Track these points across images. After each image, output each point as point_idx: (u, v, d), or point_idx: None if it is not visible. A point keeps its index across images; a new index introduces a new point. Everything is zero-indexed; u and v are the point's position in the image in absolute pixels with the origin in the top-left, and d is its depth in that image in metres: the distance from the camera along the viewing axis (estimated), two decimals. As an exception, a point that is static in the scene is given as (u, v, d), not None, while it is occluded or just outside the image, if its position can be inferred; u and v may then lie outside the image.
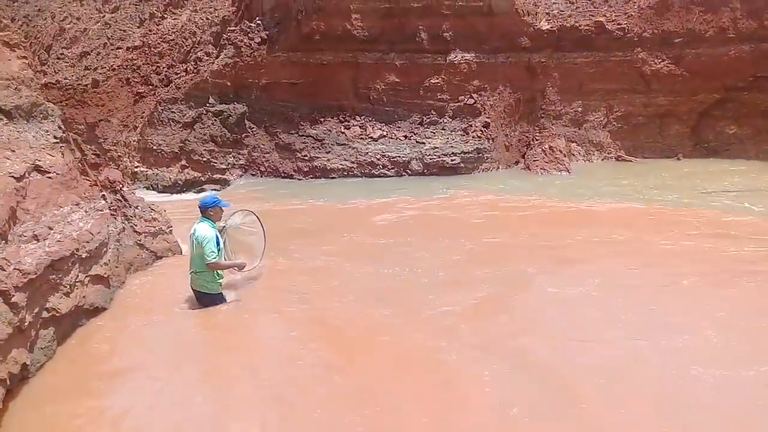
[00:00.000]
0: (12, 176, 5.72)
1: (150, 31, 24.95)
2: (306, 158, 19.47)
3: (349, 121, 20.18)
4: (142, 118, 21.98)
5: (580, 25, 20.84)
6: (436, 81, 20.27)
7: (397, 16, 19.97)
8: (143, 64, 24.01)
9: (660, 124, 21.48)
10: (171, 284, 7.52)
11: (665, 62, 20.74)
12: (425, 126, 20.23)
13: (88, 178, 7.69)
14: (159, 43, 24.30)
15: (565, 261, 8.66)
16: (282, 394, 4.87)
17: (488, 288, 7.34)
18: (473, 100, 20.29)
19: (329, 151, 19.54)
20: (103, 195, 7.95)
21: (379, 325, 6.23)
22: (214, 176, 19.29)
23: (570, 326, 6.18)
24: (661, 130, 21.50)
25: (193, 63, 22.98)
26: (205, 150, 19.54)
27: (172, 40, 24.29)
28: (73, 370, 5.34)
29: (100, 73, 24.04)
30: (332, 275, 8.03)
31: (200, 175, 19.34)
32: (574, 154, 20.65)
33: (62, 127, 7.36)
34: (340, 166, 19.28)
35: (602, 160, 21.04)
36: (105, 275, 6.88)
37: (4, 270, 4.88)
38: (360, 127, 20.06)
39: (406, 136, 19.98)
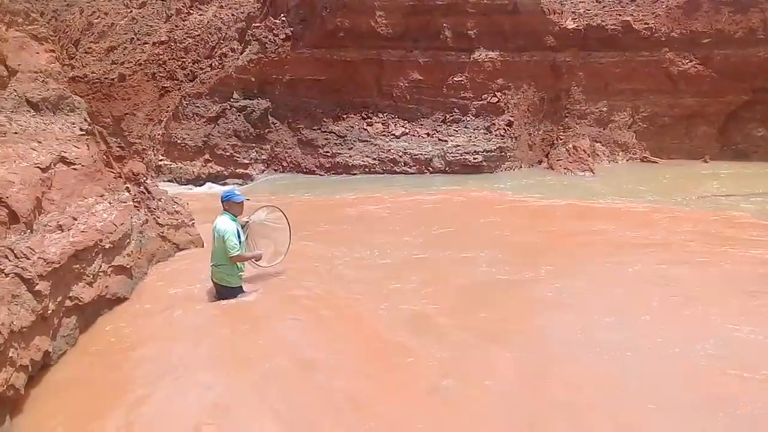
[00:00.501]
0: (38, 167, 5.82)
1: (176, 26, 25.13)
2: (328, 154, 19.52)
3: (371, 118, 20.19)
4: (166, 112, 22.19)
5: (606, 25, 20.60)
6: (460, 79, 20.19)
7: (422, 13, 19.93)
8: (169, 59, 24.19)
9: (687, 126, 21.15)
10: (192, 276, 7.59)
11: (693, 63, 20.42)
12: (448, 124, 20.17)
13: (112, 170, 7.79)
14: (185, 39, 24.46)
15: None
16: (295, 386, 4.91)
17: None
18: (497, 99, 20.19)
19: (351, 148, 19.57)
20: (127, 187, 8.05)
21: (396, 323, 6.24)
22: (237, 171, 19.41)
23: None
24: (688, 131, 21.16)
25: (218, 58, 23.12)
26: (228, 144, 19.67)
27: (197, 35, 24.45)
28: (94, 358, 5.42)
29: (127, 68, 24.28)
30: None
31: (223, 169, 19.48)
32: (598, 155, 20.41)
33: (88, 119, 7.46)
34: (362, 163, 19.30)
35: (627, 161, 20.78)
36: (127, 266, 6.97)
37: (28, 259, 4.97)
38: (382, 124, 20.06)
39: (428, 134, 19.93)
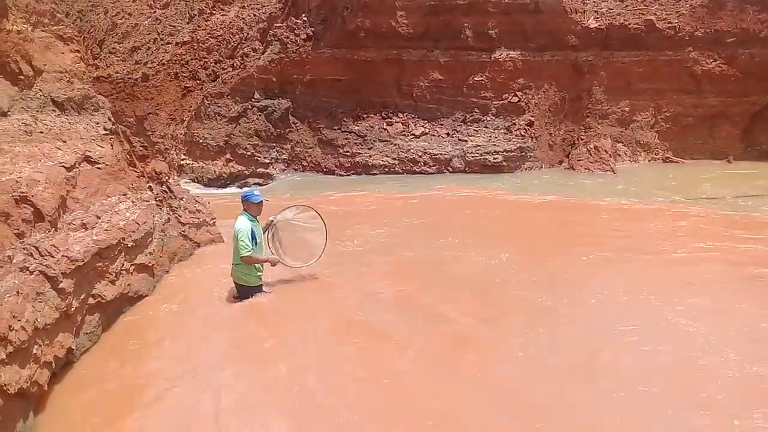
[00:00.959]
0: (63, 166, 5.91)
1: (198, 26, 25.34)
2: (348, 154, 19.57)
3: (391, 118, 20.20)
4: (189, 112, 22.38)
5: (629, 24, 20.39)
6: (480, 79, 20.14)
7: (443, 13, 19.89)
8: (191, 59, 24.40)
9: (710, 126, 20.88)
10: (213, 275, 7.65)
11: (717, 62, 20.15)
12: (468, 124, 20.12)
13: (135, 169, 7.89)
14: (207, 39, 24.65)
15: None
16: (311, 385, 4.96)
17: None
18: (517, 99, 20.10)
19: (371, 148, 19.60)
20: (150, 186, 8.15)
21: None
22: (258, 170, 19.52)
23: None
24: (711, 131, 20.89)
25: (239, 58, 23.28)
26: (249, 144, 19.79)
27: (219, 35, 24.63)
28: (116, 355, 5.49)
29: (150, 68, 24.52)
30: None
31: (244, 168, 19.60)
32: (620, 155, 20.25)
33: (112, 119, 7.57)
34: (382, 163, 19.32)
35: (649, 161, 20.57)
36: (149, 264, 7.05)
37: (53, 256, 5.05)
38: (402, 124, 20.07)
39: (448, 134, 19.90)
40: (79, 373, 5.13)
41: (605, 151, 19.03)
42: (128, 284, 6.45)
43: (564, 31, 20.36)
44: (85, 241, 5.67)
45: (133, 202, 7.07)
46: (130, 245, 6.53)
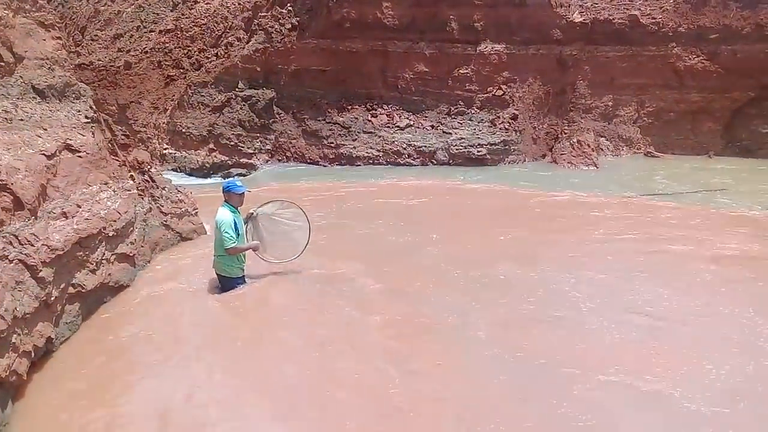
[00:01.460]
0: (43, 154, 5.86)
1: (182, 15, 25.04)
2: (332, 145, 19.55)
3: (376, 110, 20.19)
4: (172, 100, 22.17)
5: (613, 19, 20.50)
6: (465, 71, 20.16)
7: (428, 5, 19.85)
8: (175, 47, 24.13)
9: (692, 121, 21.09)
10: (194, 265, 7.64)
11: (700, 58, 20.34)
12: (452, 116, 20.16)
13: (117, 158, 7.84)
14: (191, 27, 24.39)
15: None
16: (288, 374, 5.00)
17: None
18: (502, 92, 20.16)
19: (356, 139, 19.59)
20: (132, 175, 8.11)
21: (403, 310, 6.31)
22: (241, 160, 19.42)
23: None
24: (693, 127, 21.11)
25: (223, 48, 23.07)
26: (233, 134, 19.68)
27: (204, 24, 24.37)
28: (96, 345, 5.48)
29: (133, 56, 24.22)
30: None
31: (227, 158, 19.50)
32: (602, 149, 20.41)
33: (93, 107, 7.50)
34: (366, 154, 19.32)
35: (631, 155, 20.76)
36: (131, 254, 7.02)
37: (32, 245, 5.02)
38: (387, 115, 20.06)
39: (432, 126, 19.93)
40: (59, 362, 5.12)
41: (588, 145, 19.15)
42: (109, 274, 6.42)
43: (549, 24, 20.42)
44: (65, 230, 5.63)
45: (114, 191, 7.03)
46: (111, 235, 6.50)
